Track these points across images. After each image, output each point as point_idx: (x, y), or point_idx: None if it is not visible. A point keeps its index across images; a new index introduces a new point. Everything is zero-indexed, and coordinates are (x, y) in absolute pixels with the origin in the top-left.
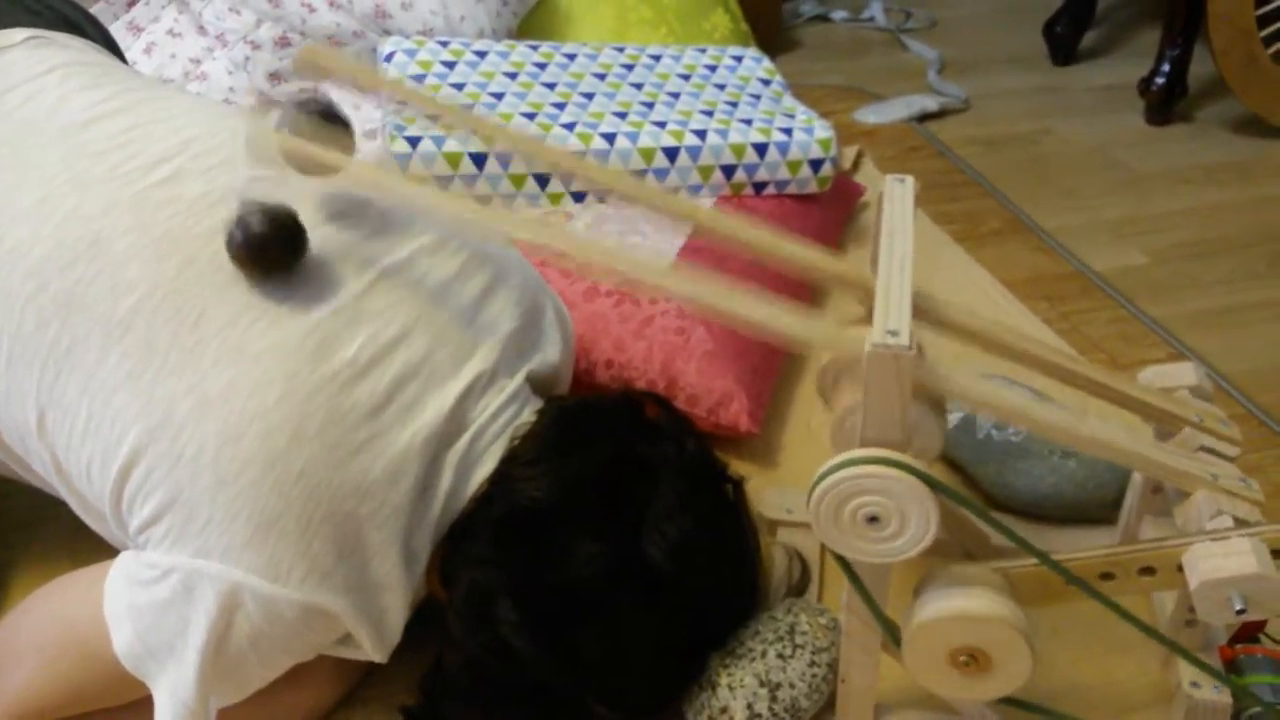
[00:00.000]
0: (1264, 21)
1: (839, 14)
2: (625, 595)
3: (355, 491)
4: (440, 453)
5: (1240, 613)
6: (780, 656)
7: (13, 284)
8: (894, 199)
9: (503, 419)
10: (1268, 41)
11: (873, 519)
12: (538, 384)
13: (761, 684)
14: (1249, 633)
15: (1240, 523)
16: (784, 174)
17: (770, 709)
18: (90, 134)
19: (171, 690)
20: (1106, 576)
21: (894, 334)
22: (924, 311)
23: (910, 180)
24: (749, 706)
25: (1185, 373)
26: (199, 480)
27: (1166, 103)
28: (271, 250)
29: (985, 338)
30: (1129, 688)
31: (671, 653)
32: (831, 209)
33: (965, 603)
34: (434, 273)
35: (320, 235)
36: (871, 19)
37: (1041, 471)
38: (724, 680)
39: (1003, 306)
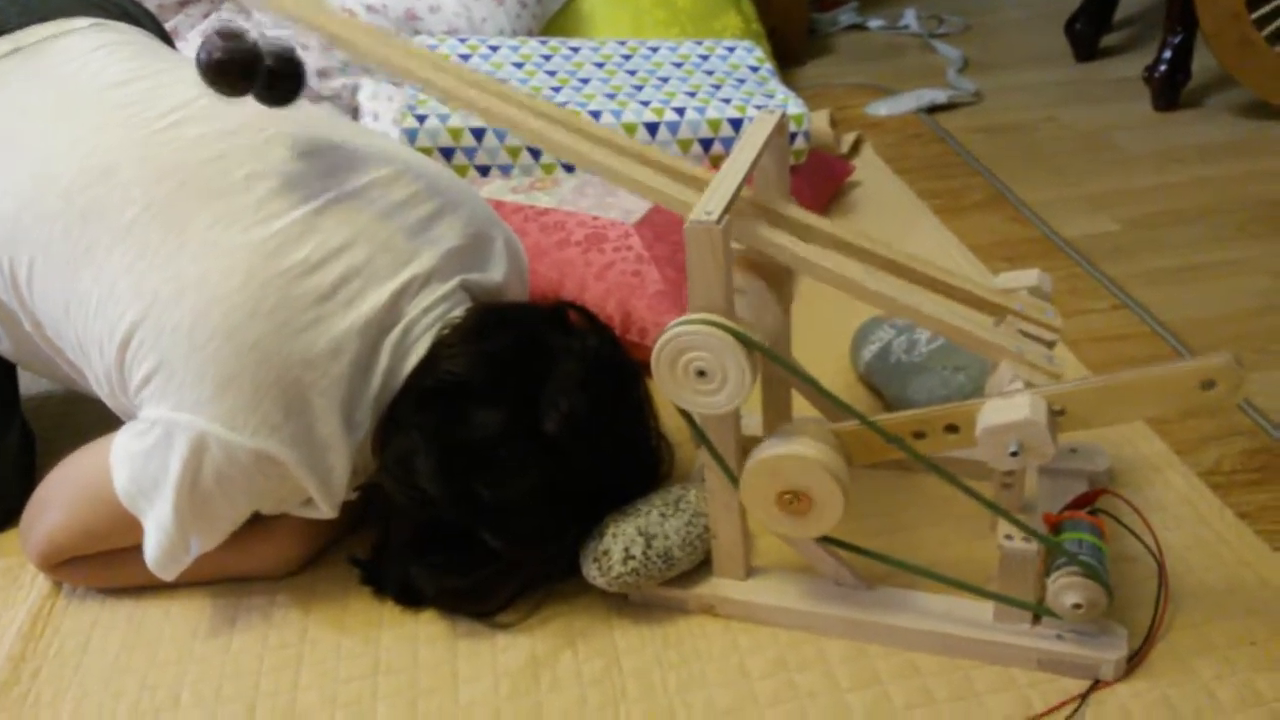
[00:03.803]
0: (1253, 3)
1: (875, 22)
2: (516, 453)
3: (300, 362)
4: (378, 338)
5: (1014, 454)
6: (662, 515)
7: (48, 203)
8: (758, 122)
9: (435, 313)
10: (1260, 23)
11: (701, 373)
12: (478, 295)
13: (640, 534)
14: (1082, 504)
15: (1031, 386)
16: None
17: (645, 554)
18: (119, 93)
19: (156, 522)
20: (919, 435)
21: (709, 212)
22: (775, 216)
23: (780, 112)
24: (625, 550)
25: (1029, 277)
26: (177, 348)
27: (1170, 89)
28: (230, 70)
29: (826, 237)
30: (986, 562)
31: (557, 502)
32: (815, 183)
33: (788, 448)
34: (385, 198)
35: (290, 168)
36: (906, 26)
37: (934, 385)
38: (610, 530)
39: (961, 266)
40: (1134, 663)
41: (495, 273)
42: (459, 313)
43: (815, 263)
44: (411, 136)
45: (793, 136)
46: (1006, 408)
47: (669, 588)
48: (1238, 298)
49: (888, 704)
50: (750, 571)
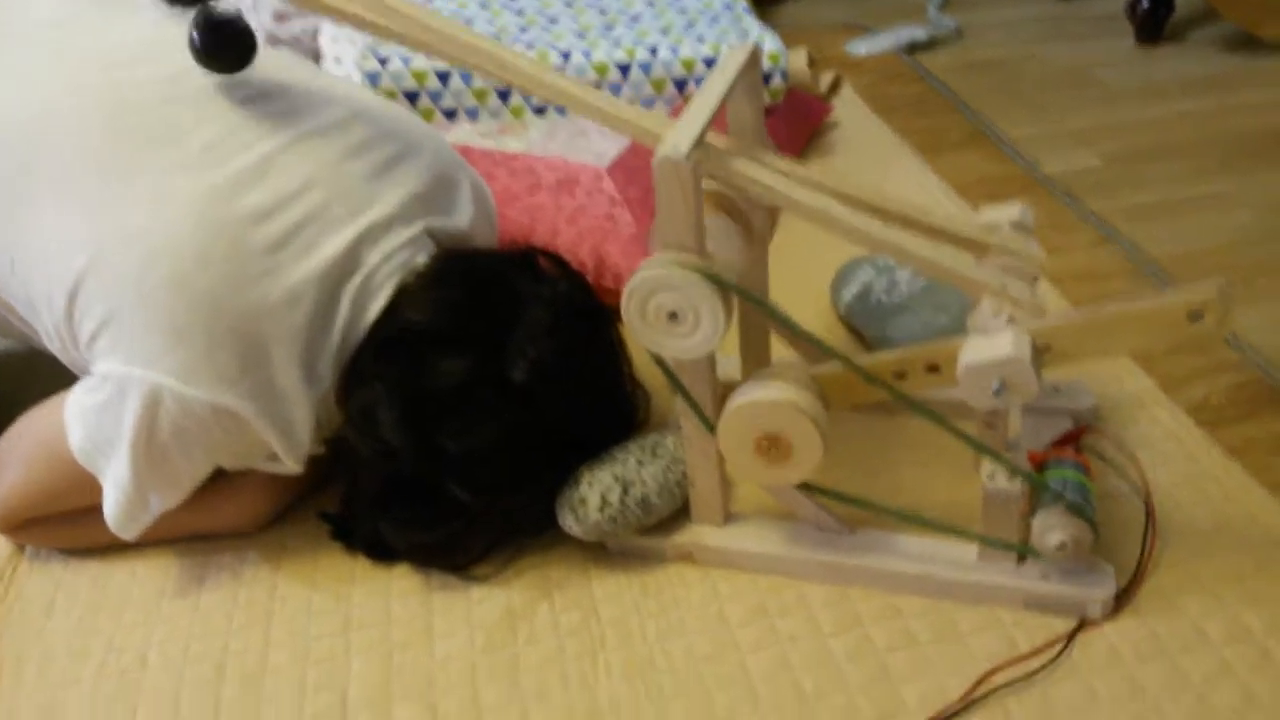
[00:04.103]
0: None
1: None
2: (482, 403)
3: (255, 313)
4: (337, 286)
5: (997, 393)
6: (639, 462)
7: None
8: (730, 55)
9: (397, 260)
10: None
11: (673, 316)
12: (443, 242)
13: (616, 480)
14: (1067, 442)
15: (1014, 322)
16: None
17: (621, 500)
18: (58, 32)
19: (114, 480)
20: (900, 376)
21: (677, 147)
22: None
23: (752, 44)
24: (602, 497)
25: (1011, 211)
26: (125, 299)
27: (1153, 23)
28: (225, 52)
29: (801, 179)
30: (970, 504)
31: (526, 452)
32: (792, 124)
33: (764, 393)
34: (342, 141)
35: (242, 111)
36: None
37: (914, 325)
38: (586, 478)
39: (942, 204)
40: (1121, 601)
41: (461, 218)
42: (423, 259)
43: (796, 198)
44: (374, 80)
45: (769, 76)
46: (989, 345)
47: (646, 536)
48: (1221, 232)
49: (870, 647)
50: (729, 518)
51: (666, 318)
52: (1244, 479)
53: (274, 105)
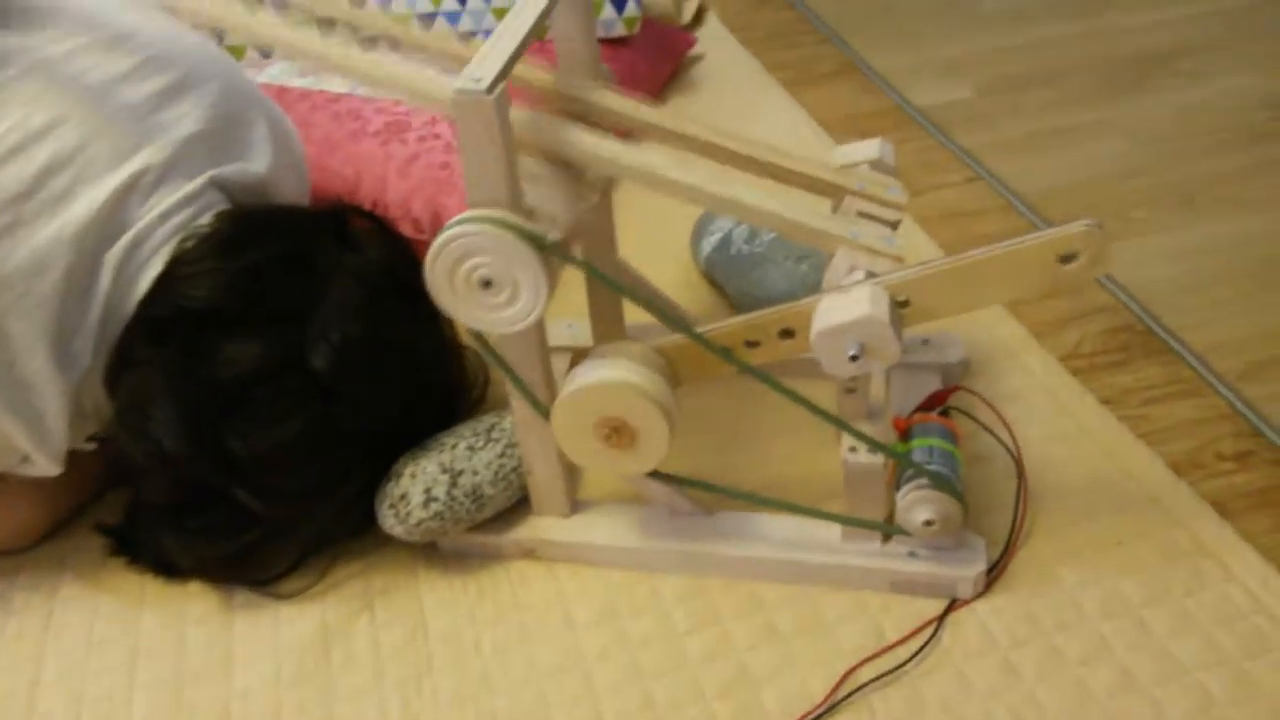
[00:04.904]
0: None
1: None
2: (277, 395)
3: None
4: (97, 250)
5: (855, 359)
6: (470, 449)
7: None
8: None
9: (174, 221)
10: None
11: (487, 284)
12: (236, 195)
13: (444, 471)
14: (933, 405)
15: (871, 276)
16: None
17: (449, 493)
18: None
19: None
20: (752, 344)
21: (478, 80)
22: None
23: None
24: (426, 491)
25: (870, 149)
26: None
27: None
28: None
29: (642, 121)
30: (838, 474)
31: (332, 449)
32: (651, 58)
33: (601, 374)
34: (99, 69)
35: None
36: None
37: (776, 277)
38: (407, 470)
39: (809, 143)
40: (994, 576)
41: (257, 164)
42: (207, 219)
43: (610, 158)
44: None
45: (622, 3)
46: (843, 304)
47: (482, 531)
48: (1096, 163)
49: (729, 645)
50: (575, 507)
51: (479, 286)
52: (1119, 431)
53: (16, 24)
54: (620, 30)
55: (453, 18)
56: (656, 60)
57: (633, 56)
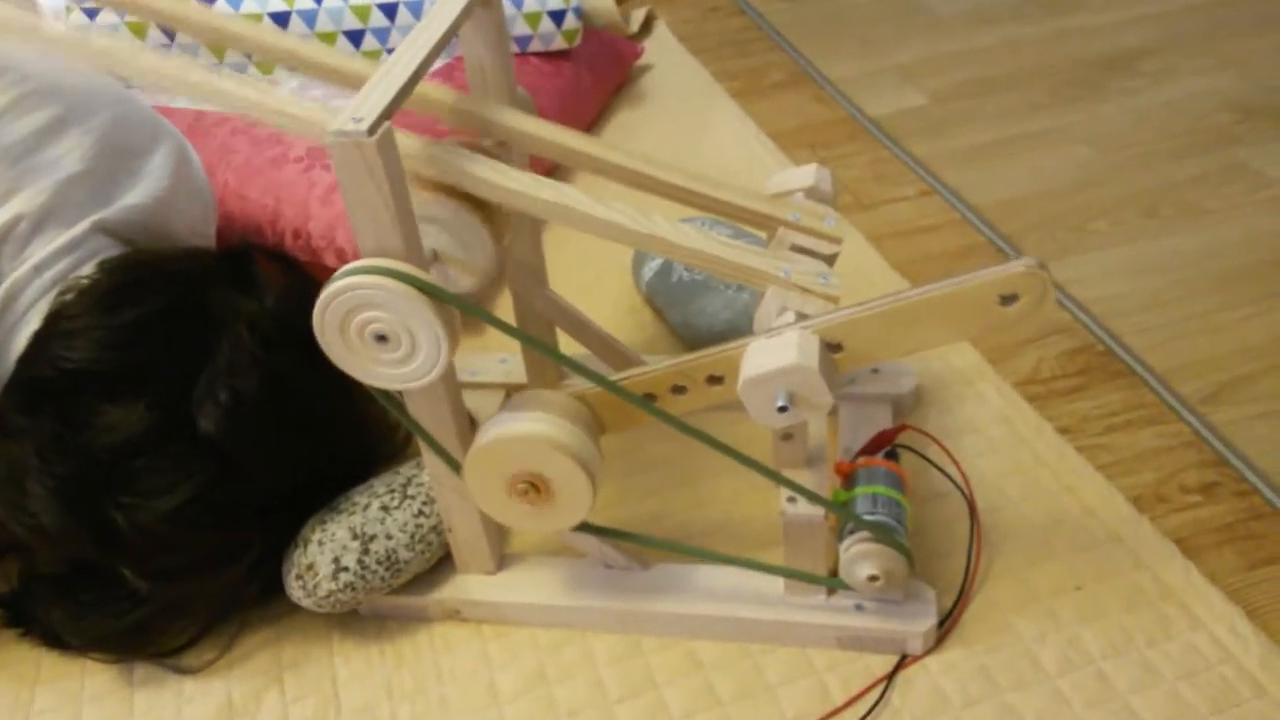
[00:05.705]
0: None
1: None
2: (162, 463)
3: None
4: None
5: (783, 410)
6: (384, 509)
7: None
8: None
9: (51, 272)
10: None
11: (382, 339)
12: (126, 235)
13: (354, 536)
14: (880, 445)
15: (802, 318)
16: (523, 28)
17: (360, 561)
18: None
19: None
20: (679, 390)
21: (358, 120)
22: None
23: None
24: (335, 560)
25: (805, 176)
26: None
27: None
28: None
29: (561, 149)
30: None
31: (226, 518)
32: (596, 71)
33: (513, 426)
34: None
35: None
36: None
37: (717, 307)
38: (315, 536)
39: (759, 157)
40: (946, 628)
41: (150, 195)
42: (89, 269)
43: (519, 191)
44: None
45: (560, 15)
46: (770, 350)
47: (403, 594)
48: (1054, 172)
49: (664, 713)
50: (502, 563)
51: (373, 340)
52: (1078, 463)
53: None
54: (560, 43)
55: (308, 17)
56: (602, 72)
57: (576, 69)
